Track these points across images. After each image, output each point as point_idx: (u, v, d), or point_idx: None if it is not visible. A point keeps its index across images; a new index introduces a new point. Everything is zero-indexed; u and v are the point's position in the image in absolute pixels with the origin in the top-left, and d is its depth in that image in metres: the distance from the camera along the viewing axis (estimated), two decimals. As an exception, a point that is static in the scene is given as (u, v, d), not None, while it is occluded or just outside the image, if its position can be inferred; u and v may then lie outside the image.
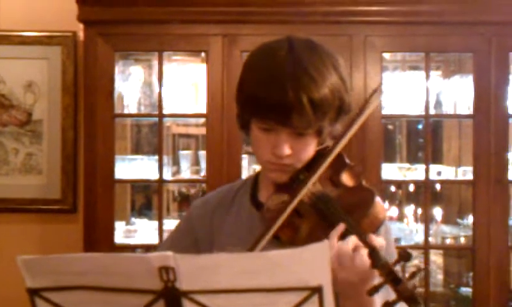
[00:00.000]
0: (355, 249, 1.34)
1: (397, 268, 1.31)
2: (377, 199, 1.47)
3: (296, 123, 1.47)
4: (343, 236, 1.39)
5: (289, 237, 1.47)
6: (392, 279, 1.28)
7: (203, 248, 1.63)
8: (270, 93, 1.46)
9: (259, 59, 1.55)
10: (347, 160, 1.57)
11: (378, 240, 1.36)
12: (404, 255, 1.30)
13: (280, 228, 1.46)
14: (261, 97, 1.48)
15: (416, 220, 3.64)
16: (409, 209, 3.69)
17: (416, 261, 3.36)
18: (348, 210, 1.44)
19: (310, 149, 1.54)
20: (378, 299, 1.36)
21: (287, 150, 1.51)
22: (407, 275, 1.29)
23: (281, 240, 1.47)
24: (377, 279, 1.32)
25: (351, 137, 1.52)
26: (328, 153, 1.52)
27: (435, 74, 3.55)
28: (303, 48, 1.51)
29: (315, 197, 1.49)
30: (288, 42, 1.53)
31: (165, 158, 3.28)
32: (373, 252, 1.32)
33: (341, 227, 1.40)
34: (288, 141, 1.50)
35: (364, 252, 1.33)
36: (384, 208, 1.49)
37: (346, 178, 1.54)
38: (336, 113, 1.52)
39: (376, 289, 1.29)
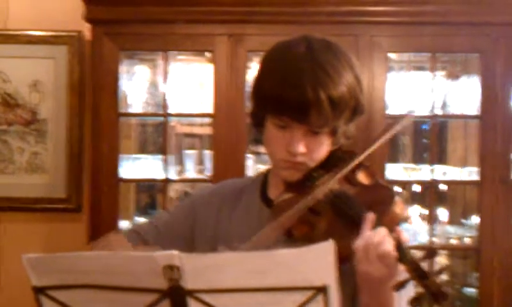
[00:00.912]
0: (382, 240, 1.33)
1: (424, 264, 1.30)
2: (397, 197, 1.47)
3: (313, 120, 1.47)
4: None
5: (304, 235, 1.46)
6: (420, 274, 1.27)
7: (201, 237, 1.63)
8: (288, 89, 1.47)
9: (277, 57, 1.55)
10: None
11: (404, 235, 1.36)
12: (430, 252, 1.30)
13: (295, 225, 1.46)
14: (279, 94, 1.49)
15: (421, 220, 3.63)
16: (414, 209, 3.68)
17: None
18: (368, 207, 1.43)
19: (324, 148, 1.55)
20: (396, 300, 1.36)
21: (301, 148, 1.51)
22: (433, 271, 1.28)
23: (295, 238, 1.46)
24: (403, 275, 1.30)
25: (378, 147, 1.54)
26: (351, 158, 1.52)
27: (441, 75, 3.54)
28: (320, 47, 1.52)
29: (333, 195, 1.48)
30: (306, 41, 1.54)
31: (170, 158, 3.28)
32: (400, 246, 1.31)
33: (371, 217, 1.38)
34: (304, 139, 1.51)
35: (391, 244, 1.32)
36: (403, 206, 1.49)
37: (362, 177, 1.54)
38: (351, 113, 1.53)
39: (402, 284, 1.29)
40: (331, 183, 1.49)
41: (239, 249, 1.49)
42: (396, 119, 1.61)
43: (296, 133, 1.51)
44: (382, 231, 1.35)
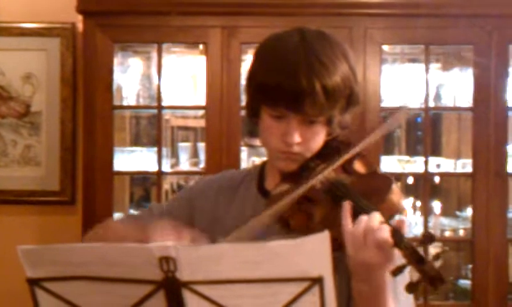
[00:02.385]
0: (379, 225, 1.32)
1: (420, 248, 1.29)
2: (394, 185, 1.46)
3: (308, 109, 1.47)
4: None
5: (301, 224, 1.46)
6: (417, 259, 1.27)
7: (200, 225, 1.62)
8: (283, 79, 1.47)
9: (271, 48, 1.56)
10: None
11: (401, 223, 1.35)
12: (428, 237, 1.30)
13: (291, 215, 1.46)
14: (273, 84, 1.49)
15: (415, 212, 3.64)
16: (408, 201, 3.68)
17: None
18: (365, 196, 1.42)
19: (320, 138, 1.55)
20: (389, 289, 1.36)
21: (297, 138, 1.51)
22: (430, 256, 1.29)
23: (291, 228, 1.46)
24: (399, 261, 1.30)
25: (376, 139, 1.53)
26: (347, 148, 1.52)
27: (435, 67, 3.54)
28: (314, 37, 1.53)
29: (330, 183, 1.48)
30: (300, 32, 1.54)
31: (164, 150, 3.28)
32: (396, 232, 1.31)
33: (347, 205, 1.38)
34: (299, 129, 1.51)
35: (387, 230, 1.31)
36: (401, 195, 1.48)
37: (359, 166, 1.54)
38: (346, 102, 1.53)
39: (399, 269, 1.28)
40: (328, 172, 1.49)
41: (232, 235, 1.47)
42: (392, 113, 1.61)
43: (292, 123, 1.51)
44: (377, 216, 1.34)
